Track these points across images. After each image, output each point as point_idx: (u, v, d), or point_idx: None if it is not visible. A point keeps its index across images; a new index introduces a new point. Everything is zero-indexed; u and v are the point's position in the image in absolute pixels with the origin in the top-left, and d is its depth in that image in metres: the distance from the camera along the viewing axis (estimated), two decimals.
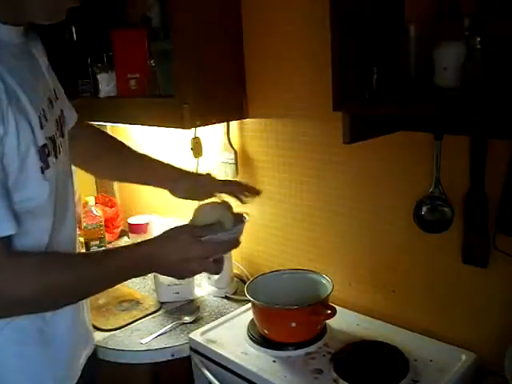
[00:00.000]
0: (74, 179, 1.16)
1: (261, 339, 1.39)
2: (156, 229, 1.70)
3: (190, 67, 1.48)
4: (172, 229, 1.04)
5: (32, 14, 0.94)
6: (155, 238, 1.05)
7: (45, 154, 0.94)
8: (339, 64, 1.09)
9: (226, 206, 1.14)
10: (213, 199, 1.24)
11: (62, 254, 1.02)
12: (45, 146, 0.94)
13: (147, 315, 1.61)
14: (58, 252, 1.01)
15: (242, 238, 1.85)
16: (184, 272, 1.04)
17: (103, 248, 1.98)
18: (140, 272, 1.05)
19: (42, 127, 0.94)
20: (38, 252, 0.96)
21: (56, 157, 0.99)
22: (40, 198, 0.93)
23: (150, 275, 1.79)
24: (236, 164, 1.75)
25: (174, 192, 1.32)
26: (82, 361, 1.16)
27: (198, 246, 1.01)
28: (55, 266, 0.93)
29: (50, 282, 0.91)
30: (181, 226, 1.05)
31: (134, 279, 1.89)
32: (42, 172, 0.93)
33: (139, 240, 1.88)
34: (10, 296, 0.87)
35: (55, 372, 1.05)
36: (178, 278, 1.12)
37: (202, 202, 1.16)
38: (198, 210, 1.11)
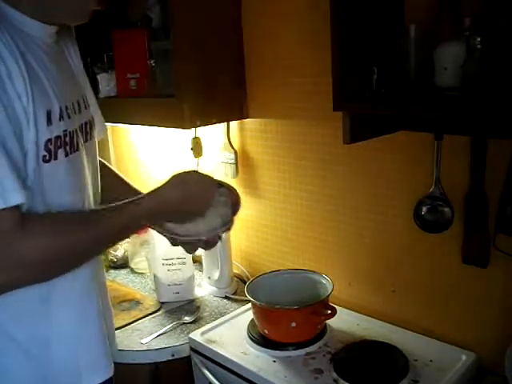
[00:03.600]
0: None
1: (261, 339, 1.39)
2: None
3: (190, 67, 1.48)
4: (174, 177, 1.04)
5: (56, 14, 0.98)
6: (162, 189, 1.03)
7: (55, 145, 0.95)
8: (339, 64, 1.09)
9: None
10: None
11: (72, 214, 0.99)
12: (58, 137, 0.96)
13: (147, 315, 1.61)
14: (68, 212, 0.99)
15: (243, 239, 1.87)
16: (193, 207, 1.05)
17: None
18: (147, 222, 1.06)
19: (60, 119, 0.96)
20: (48, 214, 0.95)
21: (67, 154, 0.99)
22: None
23: (149, 275, 1.79)
24: (236, 164, 1.75)
25: None
26: None
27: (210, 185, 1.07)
28: (67, 227, 0.93)
29: (64, 244, 0.91)
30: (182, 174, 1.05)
31: (133, 279, 1.90)
32: (45, 161, 0.93)
33: (139, 240, 1.88)
34: (32, 259, 0.87)
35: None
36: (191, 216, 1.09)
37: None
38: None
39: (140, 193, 1.18)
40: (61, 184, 0.99)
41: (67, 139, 0.99)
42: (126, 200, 0.99)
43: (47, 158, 0.94)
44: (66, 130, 0.98)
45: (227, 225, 1.12)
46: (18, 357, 0.99)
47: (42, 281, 0.93)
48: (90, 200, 1.10)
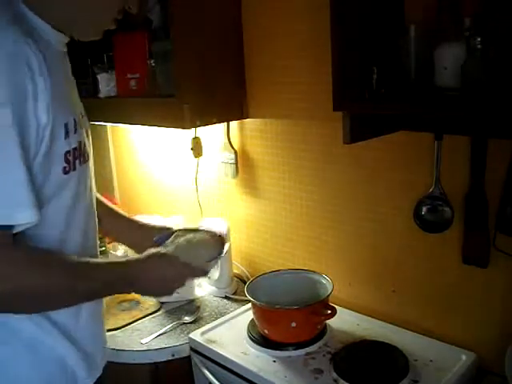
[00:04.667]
0: None
1: (261, 339, 1.39)
2: None
3: (190, 67, 1.48)
4: (155, 253, 1.09)
5: (73, 29, 1.01)
6: (142, 260, 1.08)
7: (73, 156, 0.98)
8: (339, 64, 1.09)
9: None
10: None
11: (63, 260, 0.99)
12: (75, 149, 0.98)
13: (147, 315, 1.62)
14: (59, 255, 0.99)
15: (243, 239, 1.86)
16: (163, 290, 1.11)
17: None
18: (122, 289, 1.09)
19: (75, 131, 0.98)
20: (42, 250, 0.95)
21: (81, 163, 1.02)
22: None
23: None
24: (236, 164, 1.75)
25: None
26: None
27: (186, 271, 1.11)
28: (54, 270, 0.93)
29: (39, 282, 0.90)
30: (164, 252, 1.11)
31: None
32: (65, 173, 0.96)
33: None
34: (10, 289, 0.86)
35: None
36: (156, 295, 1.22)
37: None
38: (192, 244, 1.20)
39: (132, 221, 1.29)
40: (75, 193, 1.01)
41: (82, 149, 1.02)
42: (114, 260, 1.03)
43: (67, 169, 0.96)
44: (80, 141, 1.01)
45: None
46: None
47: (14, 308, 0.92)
48: (94, 207, 1.13)
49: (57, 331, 1.00)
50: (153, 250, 1.10)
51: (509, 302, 1.23)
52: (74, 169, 0.98)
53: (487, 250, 1.23)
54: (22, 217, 0.86)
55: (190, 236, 1.21)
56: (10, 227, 0.85)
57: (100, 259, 1.04)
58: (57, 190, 0.95)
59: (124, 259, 1.13)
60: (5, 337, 0.97)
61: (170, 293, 1.12)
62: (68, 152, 0.96)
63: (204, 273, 1.17)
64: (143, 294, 1.13)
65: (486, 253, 1.23)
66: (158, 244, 1.21)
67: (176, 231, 1.27)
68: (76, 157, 0.99)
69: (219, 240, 1.24)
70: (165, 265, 1.08)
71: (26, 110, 0.85)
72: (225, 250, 1.21)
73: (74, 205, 1.01)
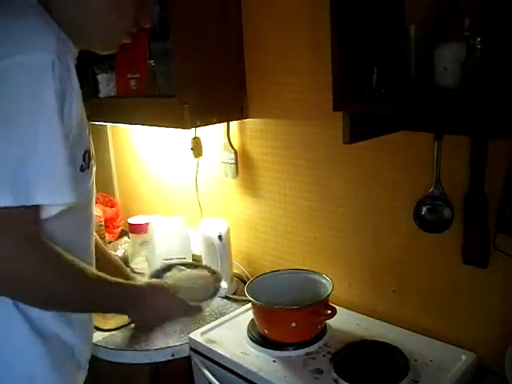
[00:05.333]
0: None
1: (261, 339, 1.39)
2: (156, 229, 1.71)
3: (190, 67, 1.48)
4: (155, 284, 1.15)
5: (91, 42, 1.06)
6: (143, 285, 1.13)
7: (88, 157, 1.02)
8: (339, 64, 1.09)
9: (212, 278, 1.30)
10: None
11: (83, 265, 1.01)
12: (88, 151, 1.03)
13: None
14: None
15: (243, 239, 1.87)
16: (156, 319, 1.15)
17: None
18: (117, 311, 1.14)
19: (88, 134, 1.04)
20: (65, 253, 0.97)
21: (91, 163, 1.05)
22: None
23: (148, 274, 1.79)
24: (236, 164, 1.75)
25: None
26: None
27: (179, 307, 1.14)
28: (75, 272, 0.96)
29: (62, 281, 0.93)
30: (162, 285, 1.15)
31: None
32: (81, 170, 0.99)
33: (139, 240, 1.89)
34: (25, 276, 0.88)
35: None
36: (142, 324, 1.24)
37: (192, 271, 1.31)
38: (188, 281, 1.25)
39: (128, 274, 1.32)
40: (88, 191, 1.05)
41: (92, 152, 1.06)
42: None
43: (84, 167, 1.00)
44: (91, 141, 1.05)
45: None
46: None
47: (8, 296, 0.94)
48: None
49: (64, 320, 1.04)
50: (156, 280, 1.14)
51: (509, 302, 1.23)
52: (88, 167, 1.02)
53: (487, 250, 1.23)
54: (63, 198, 0.90)
55: (188, 272, 1.26)
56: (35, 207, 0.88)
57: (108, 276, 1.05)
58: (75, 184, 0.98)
59: (127, 281, 1.15)
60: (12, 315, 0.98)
61: (159, 324, 1.17)
62: (86, 151, 1.00)
63: (199, 311, 1.19)
64: (134, 316, 1.13)
65: (485, 253, 1.23)
66: (156, 277, 1.25)
67: (175, 265, 1.31)
68: (90, 157, 1.03)
69: (216, 277, 1.28)
70: (163, 297, 1.11)
71: (65, 107, 0.90)
72: (221, 288, 1.25)
73: (86, 203, 1.05)
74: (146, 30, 1.58)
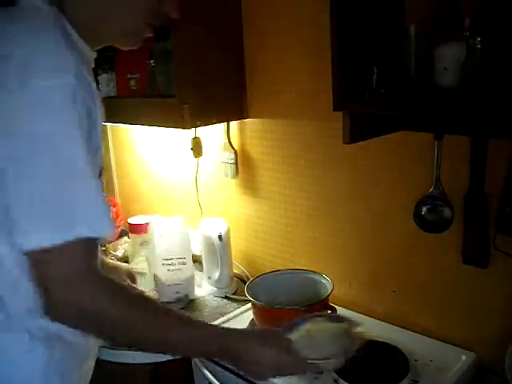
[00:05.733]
0: None
1: None
2: (156, 229, 1.70)
3: (190, 67, 1.48)
4: (269, 333, 1.05)
5: (112, 37, 1.01)
6: (248, 333, 1.06)
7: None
8: (339, 64, 1.09)
9: (348, 336, 1.10)
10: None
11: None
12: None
13: None
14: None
15: (243, 239, 1.87)
16: (258, 375, 1.03)
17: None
18: (213, 356, 1.05)
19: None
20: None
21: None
22: None
23: (149, 275, 1.79)
24: (236, 164, 1.75)
25: None
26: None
27: (290, 363, 1.00)
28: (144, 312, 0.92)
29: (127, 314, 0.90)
30: (279, 335, 1.03)
31: None
32: None
33: (139, 240, 1.88)
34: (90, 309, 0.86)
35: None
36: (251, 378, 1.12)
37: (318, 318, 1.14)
38: (317, 332, 1.09)
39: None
40: None
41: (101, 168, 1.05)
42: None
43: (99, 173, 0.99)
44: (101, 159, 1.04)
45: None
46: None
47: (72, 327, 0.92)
48: None
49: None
50: (264, 330, 1.08)
51: (509, 302, 1.23)
52: (100, 176, 1.00)
53: (487, 250, 1.23)
54: (105, 229, 0.87)
55: (327, 326, 1.11)
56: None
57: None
58: None
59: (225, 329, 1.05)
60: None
61: (263, 378, 1.05)
62: (100, 170, 0.99)
63: (319, 371, 1.10)
64: (240, 368, 1.03)
65: (485, 253, 1.23)
66: (291, 327, 1.09)
67: (320, 315, 1.18)
68: (101, 174, 1.01)
69: (355, 336, 1.08)
70: (267, 350, 0.98)
71: (92, 128, 0.89)
72: (355, 348, 1.04)
73: None
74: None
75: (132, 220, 2.01)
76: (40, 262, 0.83)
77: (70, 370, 1.02)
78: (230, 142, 1.75)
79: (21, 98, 0.80)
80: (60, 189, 0.82)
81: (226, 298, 1.71)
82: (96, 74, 1.72)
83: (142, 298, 0.99)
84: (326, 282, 1.44)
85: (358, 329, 1.11)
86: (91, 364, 1.11)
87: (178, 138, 1.93)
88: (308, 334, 1.09)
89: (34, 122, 0.81)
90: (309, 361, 1.01)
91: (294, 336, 1.06)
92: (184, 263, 1.68)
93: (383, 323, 1.46)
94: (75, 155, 0.84)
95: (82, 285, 0.85)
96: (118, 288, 0.93)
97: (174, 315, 0.97)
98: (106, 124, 2.12)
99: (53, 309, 0.86)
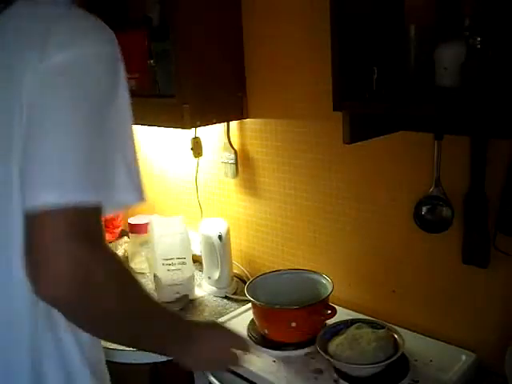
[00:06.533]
0: None
1: (261, 339, 1.39)
2: (156, 229, 1.70)
3: (190, 67, 1.48)
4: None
5: None
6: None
7: None
8: (339, 64, 1.09)
9: None
10: None
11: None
12: None
13: None
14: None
15: (243, 239, 1.86)
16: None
17: None
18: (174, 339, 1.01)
19: None
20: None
21: None
22: None
23: (149, 275, 1.79)
24: (236, 164, 1.75)
25: None
26: None
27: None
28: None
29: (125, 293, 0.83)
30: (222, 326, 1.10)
31: None
32: None
33: (139, 240, 1.89)
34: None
35: None
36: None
37: None
38: None
39: None
40: None
41: None
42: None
43: None
44: None
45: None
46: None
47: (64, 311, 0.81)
48: None
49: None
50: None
51: (509, 302, 1.23)
52: None
53: (487, 250, 1.23)
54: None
55: (369, 332, 1.24)
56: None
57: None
58: None
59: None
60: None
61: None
62: None
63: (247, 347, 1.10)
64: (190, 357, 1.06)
65: (486, 253, 1.23)
66: (336, 330, 1.27)
67: (363, 320, 1.31)
68: None
69: (395, 344, 1.22)
70: (216, 335, 1.03)
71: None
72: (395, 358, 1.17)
73: None
74: (145, 29, 1.60)
75: (132, 220, 2.01)
76: (37, 224, 0.74)
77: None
78: (229, 142, 1.75)
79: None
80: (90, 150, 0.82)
81: (225, 298, 1.71)
82: None
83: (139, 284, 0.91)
84: (326, 282, 1.44)
85: (397, 336, 1.23)
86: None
87: (177, 137, 1.93)
88: (352, 337, 1.20)
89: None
90: (350, 365, 1.14)
91: (339, 338, 1.15)
92: (184, 263, 1.68)
93: (383, 323, 1.46)
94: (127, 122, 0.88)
95: (80, 252, 0.74)
96: (122, 267, 0.85)
97: (151, 298, 0.93)
98: None
99: (43, 280, 0.75)
